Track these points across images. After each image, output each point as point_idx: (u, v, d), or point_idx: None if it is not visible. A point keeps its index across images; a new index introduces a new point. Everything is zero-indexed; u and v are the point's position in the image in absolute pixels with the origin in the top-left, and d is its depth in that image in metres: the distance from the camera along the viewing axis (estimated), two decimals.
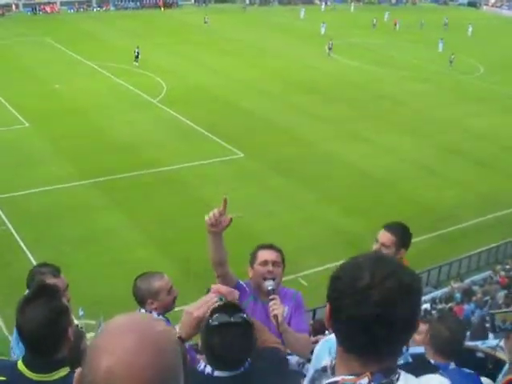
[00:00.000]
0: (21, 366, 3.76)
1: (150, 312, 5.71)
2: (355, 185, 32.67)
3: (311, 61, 61.59)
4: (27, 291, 5.28)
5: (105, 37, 69.50)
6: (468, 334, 13.32)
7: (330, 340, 4.71)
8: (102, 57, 57.42)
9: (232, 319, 3.73)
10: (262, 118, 43.14)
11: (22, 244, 25.38)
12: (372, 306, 2.30)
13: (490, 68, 62.15)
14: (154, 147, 36.50)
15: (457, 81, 57.73)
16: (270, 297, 5.33)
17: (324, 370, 3.12)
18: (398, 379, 2.41)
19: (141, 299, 5.83)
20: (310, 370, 4.72)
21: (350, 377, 2.39)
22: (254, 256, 5.74)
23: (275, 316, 5.20)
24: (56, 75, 51.46)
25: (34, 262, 22.95)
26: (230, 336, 3.72)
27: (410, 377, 2.46)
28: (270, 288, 5.45)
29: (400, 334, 2.40)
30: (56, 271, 5.74)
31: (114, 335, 1.87)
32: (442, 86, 55.21)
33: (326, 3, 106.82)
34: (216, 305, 3.85)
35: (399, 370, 2.45)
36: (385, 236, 5.96)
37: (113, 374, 1.78)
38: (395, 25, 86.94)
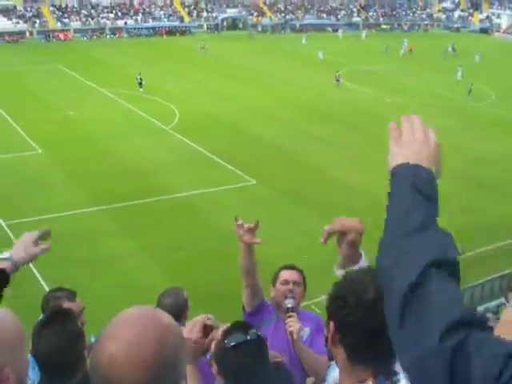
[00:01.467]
0: None
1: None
2: (367, 211, 32.38)
3: (322, 87, 61.75)
4: (42, 316, 5.28)
5: (117, 64, 70.07)
6: None
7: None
8: (115, 84, 57.83)
9: (248, 337, 3.76)
10: (273, 144, 43.24)
11: (33, 269, 25.39)
12: (382, 316, 2.31)
13: (502, 94, 62.06)
14: (166, 174, 36.64)
15: (469, 107, 57.71)
16: (288, 314, 5.43)
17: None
18: (398, 380, 2.54)
19: (179, 313, 5.89)
20: None
21: None
22: (276, 276, 5.91)
23: (291, 333, 5.31)
24: (69, 102, 51.85)
25: (46, 287, 22.99)
26: (248, 354, 3.77)
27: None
28: (289, 305, 5.58)
29: None
30: (71, 295, 5.75)
31: (121, 324, 1.99)
32: (454, 112, 55.18)
33: (336, 30, 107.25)
34: (224, 326, 3.87)
35: (398, 371, 2.55)
36: None
37: (114, 361, 1.89)
38: (411, 51, 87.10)
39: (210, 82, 62.86)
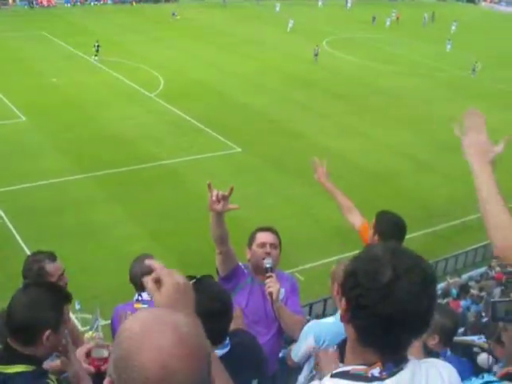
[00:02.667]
0: None
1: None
2: (352, 179, 32.61)
3: (306, 55, 61.44)
4: (24, 281, 5.28)
5: (102, 31, 69.34)
6: (464, 329, 13.39)
7: (317, 325, 4.82)
8: (100, 51, 57.32)
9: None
10: (258, 112, 43.17)
11: (18, 238, 25.36)
12: (398, 301, 2.29)
13: (488, 64, 61.95)
14: (151, 141, 36.51)
15: (455, 77, 57.67)
16: (267, 274, 5.47)
17: (312, 378, 3.15)
18: (406, 366, 2.41)
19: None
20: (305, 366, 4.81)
21: (362, 366, 2.40)
22: (252, 238, 5.92)
23: (270, 293, 5.38)
24: (53, 69, 51.39)
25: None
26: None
27: (417, 362, 2.47)
28: (268, 265, 5.57)
29: (422, 325, 2.42)
30: (52, 256, 5.73)
31: (150, 333, 1.85)
32: (440, 82, 55.15)
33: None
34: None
35: (409, 358, 2.45)
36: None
37: (168, 371, 1.78)
38: (397, 19, 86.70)
39: (195, 49, 62.49)
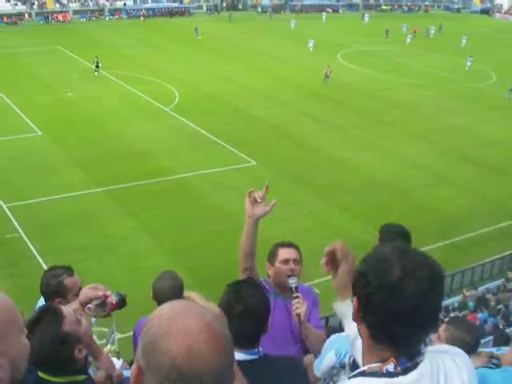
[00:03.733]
0: (42, 374, 3.75)
1: None
2: (366, 192, 32.62)
3: (321, 69, 61.51)
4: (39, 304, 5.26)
5: (117, 45, 69.80)
6: (483, 341, 13.32)
7: (338, 340, 4.80)
8: (115, 65, 57.59)
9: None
10: (273, 125, 43.20)
11: (34, 251, 25.46)
12: (408, 298, 2.35)
13: (503, 76, 61.77)
14: (166, 155, 36.60)
15: (470, 88, 57.56)
16: (294, 295, 5.44)
17: (343, 366, 3.17)
18: (423, 359, 2.46)
19: (180, 294, 5.83)
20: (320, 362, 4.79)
21: (376, 364, 2.46)
22: (274, 254, 5.82)
23: (298, 315, 5.29)
24: (68, 83, 51.72)
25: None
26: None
27: (436, 357, 2.52)
28: (294, 286, 5.54)
29: (431, 320, 2.47)
30: (70, 270, 5.73)
31: (178, 319, 1.92)
32: (454, 94, 55.04)
33: (336, 11, 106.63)
34: None
35: (423, 351, 2.50)
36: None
37: (194, 352, 1.84)
38: (414, 32, 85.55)
39: (209, 63, 62.73)
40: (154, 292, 5.98)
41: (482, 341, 13.60)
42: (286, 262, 5.74)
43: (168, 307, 2.01)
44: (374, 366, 2.46)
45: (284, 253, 5.81)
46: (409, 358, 2.44)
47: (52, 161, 34.99)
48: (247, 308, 3.98)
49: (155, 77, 55.07)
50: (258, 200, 4.96)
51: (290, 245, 5.92)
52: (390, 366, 2.42)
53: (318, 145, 39.73)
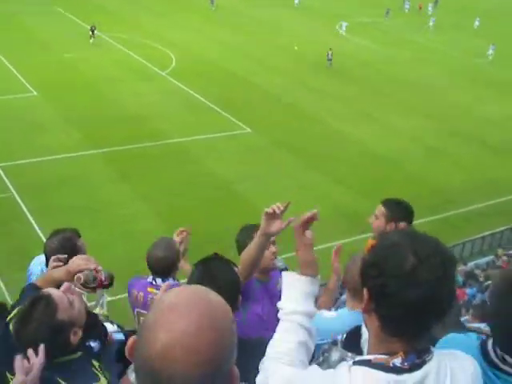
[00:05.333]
0: None
1: (175, 278, 5.88)
2: (362, 164, 32.61)
3: (322, 38, 61.15)
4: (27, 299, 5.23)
5: (116, 9, 69.18)
6: (469, 317, 13.42)
7: (319, 319, 4.69)
8: (113, 28, 57.22)
9: None
10: (270, 94, 43.09)
11: (26, 211, 25.46)
12: (423, 286, 2.30)
13: (502, 52, 61.38)
14: (161, 119, 36.53)
15: (470, 65, 57.24)
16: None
17: (335, 343, 3.12)
18: (431, 359, 2.41)
19: (170, 266, 5.83)
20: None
21: (384, 356, 2.40)
22: (252, 237, 5.26)
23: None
24: (66, 45, 51.41)
25: (38, 229, 23.09)
26: None
27: (443, 357, 2.47)
28: (283, 267, 5.51)
29: (445, 307, 2.42)
30: (78, 232, 5.78)
31: (173, 312, 1.80)
32: (455, 70, 54.77)
33: None
34: None
35: (432, 350, 2.45)
36: (378, 207, 6.04)
37: (168, 353, 1.73)
38: (420, 9, 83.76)
39: (209, 30, 62.23)
40: (148, 257, 5.97)
41: (470, 316, 13.73)
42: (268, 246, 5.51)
43: (175, 295, 1.90)
44: (381, 357, 2.39)
45: None
46: (417, 355, 2.39)
47: (47, 121, 34.87)
48: (219, 287, 3.84)
49: (153, 41, 54.75)
50: (277, 211, 4.34)
51: None
52: (398, 360, 2.36)
53: (316, 115, 39.65)
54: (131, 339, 1.93)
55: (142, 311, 5.76)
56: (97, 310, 5.87)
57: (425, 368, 2.38)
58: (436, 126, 39.44)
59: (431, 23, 71.92)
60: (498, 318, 2.92)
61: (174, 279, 5.82)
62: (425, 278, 2.29)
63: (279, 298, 5.62)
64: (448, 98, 45.46)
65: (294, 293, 3.04)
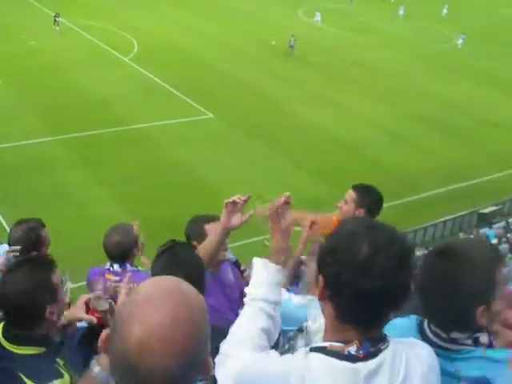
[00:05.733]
0: (3, 341, 3.70)
1: (132, 264, 5.81)
2: (325, 148, 32.73)
3: (283, 23, 61.09)
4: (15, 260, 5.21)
5: None
6: None
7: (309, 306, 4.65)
8: (75, 14, 56.56)
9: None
10: (234, 79, 42.98)
11: None
12: (377, 275, 2.29)
13: (469, 38, 61.68)
14: (123, 105, 36.29)
15: (432, 50, 57.53)
16: (242, 268, 5.46)
17: (300, 330, 3.13)
18: (386, 347, 2.42)
19: (127, 251, 5.78)
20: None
21: (339, 344, 2.40)
22: (201, 232, 5.39)
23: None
24: (28, 31, 50.65)
25: (1, 217, 22.86)
26: None
27: (400, 346, 2.47)
28: (235, 260, 5.50)
29: (401, 297, 2.42)
30: (42, 223, 5.77)
31: (148, 305, 1.80)
32: (416, 55, 55.07)
33: None
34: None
35: (388, 339, 2.45)
36: (348, 193, 5.98)
37: (144, 348, 1.73)
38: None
39: (176, 15, 61.68)
40: (104, 242, 5.91)
41: None
42: None
43: (148, 286, 1.91)
44: (336, 345, 2.40)
45: (211, 229, 5.25)
46: (372, 343, 2.39)
47: (9, 108, 34.42)
48: (187, 272, 3.77)
49: (116, 26, 54.26)
50: (238, 201, 4.28)
51: (217, 219, 4.99)
52: (352, 349, 2.36)
53: (278, 100, 39.69)
54: (104, 333, 1.93)
55: None
56: None
57: (380, 357, 2.38)
58: (398, 111, 39.71)
59: (401, 12, 71.51)
60: (423, 290, 2.92)
61: (131, 265, 5.78)
62: (379, 267, 2.29)
63: (230, 288, 5.61)
64: (414, 85, 45.72)
65: (262, 279, 3.03)
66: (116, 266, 5.70)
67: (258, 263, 3.14)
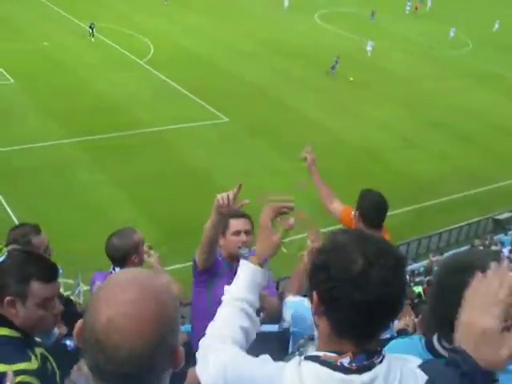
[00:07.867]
0: None
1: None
2: (339, 154, 32.65)
3: (300, 28, 61.10)
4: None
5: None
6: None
7: (300, 305, 4.65)
8: (92, 17, 56.79)
9: None
10: (248, 83, 43.03)
11: (3, 201, 25.29)
12: (373, 288, 2.28)
13: (479, 44, 61.68)
14: (138, 108, 36.39)
15: (446, 56, 57.46)
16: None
17: (311, 338, 3.10)
18: (381, 362, 2.40)
19: (124, 256, 5.78)
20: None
21: (333, 354, 2.38)
22: (225, 225, 5.65)
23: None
24: (45, 33, 50.89)
25: (15, 219, 22.91)
26: None
27: (395, 361, 2.45)
28: (246, 255, 5.52)
29: (395, 310, 2.42)
30: (38, 228, 5.71)
31: (115, 287, 1.89)
32: (431, 59, 54.97)
33: None
34: None
35: (383, 353, 2.44)
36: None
37: (112, 325, 1.80)
38: (416, 9, 78.68)
39: (192, 20, 61.75)
40: (107, 247, 5.92)
41: None
42: (238, 233, 5.63)
43: (119, 274, 2.07)
44: (330, 355, 2.38)
45: (235, 224, 5.66)
46: (367, 356, 2.37)
47: (23, 110, 34.61)
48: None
49: (132, 29, 54.43)
50: (224, 202, 4.68)
51: (241, 215, 5.72)
52: (346, 360, 2.35)
53: (293, 104, 39.70)
54: (79, 322, 1.96)
55: None
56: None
57: (374, 370, 2.36)
58: (410, 116, 39.69)
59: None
60: (438, 306, 2.89)
61: None
62: (374, 280, 2.28)
63: None
64: (423, 88, 45.65)
65: (244, 279, 3.07)
66: (117, 269, 5.70)
67: (242, 263, 3.18)
